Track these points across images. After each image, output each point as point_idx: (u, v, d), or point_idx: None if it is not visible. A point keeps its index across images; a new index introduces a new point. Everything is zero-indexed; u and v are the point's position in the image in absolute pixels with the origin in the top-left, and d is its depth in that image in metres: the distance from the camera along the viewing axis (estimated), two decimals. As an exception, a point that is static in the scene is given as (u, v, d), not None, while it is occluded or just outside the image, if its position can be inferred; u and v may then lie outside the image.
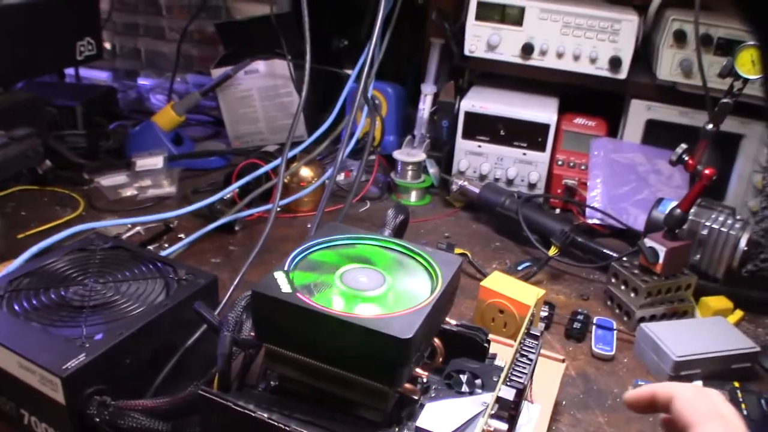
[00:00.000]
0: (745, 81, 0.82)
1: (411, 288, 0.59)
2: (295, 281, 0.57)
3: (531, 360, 0.58)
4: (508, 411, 0.54)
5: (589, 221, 1.18)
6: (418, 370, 0.58)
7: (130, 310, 0.68)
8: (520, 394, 0.54)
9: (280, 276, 0.57)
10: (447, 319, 0.66)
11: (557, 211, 1.26)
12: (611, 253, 1.03)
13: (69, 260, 0.77)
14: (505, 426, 0.52)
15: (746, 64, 0.81)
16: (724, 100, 0.84)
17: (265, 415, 0.53)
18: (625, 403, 0.66)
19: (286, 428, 0.52)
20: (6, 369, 0.64)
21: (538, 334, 0.64)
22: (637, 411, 0.65)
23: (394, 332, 0.51)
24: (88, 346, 0.62)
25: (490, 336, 0.76)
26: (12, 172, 1.06)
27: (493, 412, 0.53)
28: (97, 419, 0.60)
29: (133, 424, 0.60)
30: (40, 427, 0.64)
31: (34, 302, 0.69)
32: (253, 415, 0.54)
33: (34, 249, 0.82)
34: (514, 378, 0.56)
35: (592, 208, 1.17)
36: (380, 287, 0.58)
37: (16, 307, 0.68)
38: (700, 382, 0.81)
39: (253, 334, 0.61)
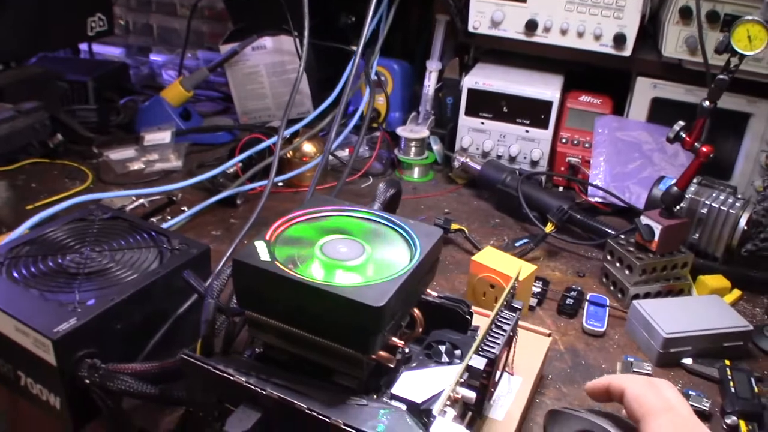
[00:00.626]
0: (742, 57, 0.81)
1: (390, 258, 0.60)
2: (276, 251, 0.59)
3: (505, 331, 0.59)
4: (479, 380, 0.55)
5: (591, 199, 1.18)
6: (396, 340, 0.60)
7: (123, 277, 0.70)
8: (492, 363, 0.56)
9: (260, 245, 0.58)
10: (429, 291, 0.68)
11: (560, 189, 1.26)
12: (608, 231, 1.03)
13: (68, 229, 0.79)
14: (473, 394, 0.53)
15: (743, 40, 0.80)
16: (721, 77, 0.84)
17: (243, 379, 0.55)
18: (586, 391, 0.67)
19: (262, 391, 0.54)
20: (3, 332, 0.66)
21: (518, 307, 0.65)
22: (595, 400, 0.66)
23: (366, 300, 0.52)
24: (80, 310, 0.64)
25: (480, 310, 0.77)
26: (18, 144, 1.08)
27: (462, 380, 0.54)
28: (87, 381, 0.62)
29: (122, 386, 0.62)
30: (35, 388, 0.67)
31: (32, 269, 0.72)
32: (231, 378, 0.55)
33: (35, 218, 0.84)
34: (486, 348, 0.57)
35: (594, 186, 1.17)
36: (359, 257, 0.59)
37: (15, 274, 0.71)
38: (690, 360, 0.82)
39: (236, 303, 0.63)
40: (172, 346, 0.69)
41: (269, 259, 0.56)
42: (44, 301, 0.66)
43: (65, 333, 0.61)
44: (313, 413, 0.52)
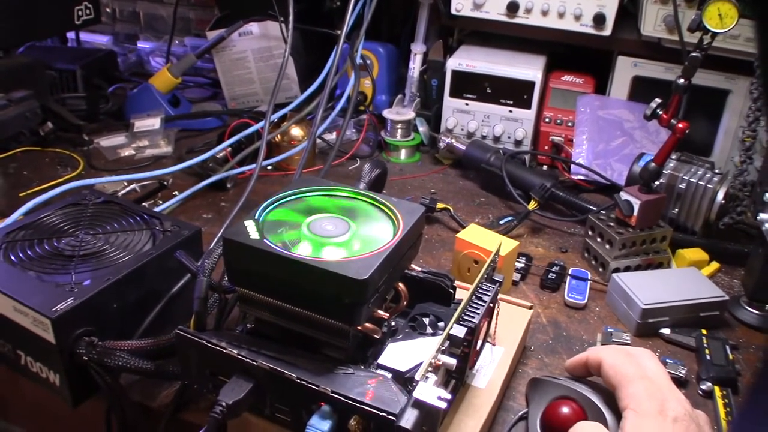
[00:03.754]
0: (714, 35, 0.84)
1: (374, 234, 0.63)
2: (265, 229, 0.61)
3: (485, 302, 0.62)
4: (460, 348, 0.58)
5: (574, 177, 1.21)
6: (382, 313, 0.62)
7: (118, 258, 0.73)
8: (472, 332, 0.58)
9: (249, 224, 0.61)
10: (414, 266, 0.70)
11: (544, 167, 1.29)
12: (590, 207, 1.06)
13: (62, 214, 0.81)
14: (453, 361, 0.56)
15: (714, 18, 0.82)
16: (694, 54, 0.86)
17: (235, 352, 0.58)
18: (565, 369, 0.70)
19: (252, 362, 0.56)
20: (3, 313, 0.68)
21: (498, 279, 0.68)
22: (575, 374, 0.69)
23: (351, 273, 0.55)
24: (76, 290, 0.66)
25: (464, 284, 0.80)
26: (10, 132, 1.10)
27: (444, 348, 0.57)
28: (86, 358, 0.64)
29: (119, 362, 0.65)
30: (35, 366, 0.69)
31: (29, 252, 0.74)
32: (224, 351, 0.58)
33: (30, 204, 0.86)
34: (466, 318, 0.60)
35: (577, 164, 1.20)
36: (345, 234, 0.62)
37: (12, 257, 0.73)
38: (668, 330, 0.85)
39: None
40: (167, 324, 0.72)
41: (258, 237, 0.58)
42: (41, 283, 0.69)
43: (63, 312, 0.64)
44: (303, 382, 0.55)
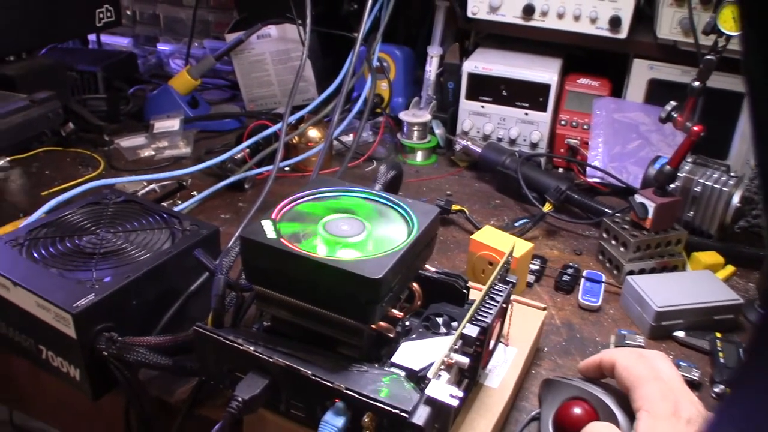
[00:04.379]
0: (728, 38, 0.84)
1: (389, 235, 0.63)
2: (281, 229, 0.62)
3: (497, 302, 0.63)
4: (473, 347, 0.58)
5: (590, 180, 1.21)
6: (396, 312, 0.63)
7: (137, 256, 0.74)
8: (484, 332, 0.59)
9: (267, 224, 0.62)
10: (428, 266, 0.71)
11: (560, 170, 1.29)
12: (604, 209, 1.06)
13: (83, 213, 0.82)
14: (466, 360, 0.57)
15: (728, 21, 0.82)
16: (708, 57, 0.86)
17: (252, 348, 0.59)
18: (579, 371, 0.70)
19: (268, 359, 0.57)
20: (25, 308, 0.70)
21: (512, 281, 0.69)
22: (589, 376, 0.69)
23: (366, 273, 0.56)
24: (97, 287, 0.68)
25: (479, 286, 0.80)
26: (33, 133, 1.12)
27: (456, 347, 0.58)
28: (105, 353, 0.66)
29: (138, 358, 0.66)
30: (56, 361, 0.71)
31: (51, 249, 0.75)
32: (240, 347, 0.59)
33: (52, 202, 0.88)
34: (479, 317, 0.60)
35: (592, 166, 1.20)
36: (360, 234, 0.63)
37: (35, 254, 0.75)
38: (682, 333, 0.85)
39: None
40: (184, 321, 0.73)
41: (275, 236, 0.59)
42: (63, 279, 0.70)
43: (84, 308, 0.65)
44: (318, 379, 0.56)
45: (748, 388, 0.29)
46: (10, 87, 1.18)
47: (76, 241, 0.77)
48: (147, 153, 1.27)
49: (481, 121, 1.28)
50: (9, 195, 1.16)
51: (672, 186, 0.98)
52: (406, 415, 0.52)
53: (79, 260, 0.74)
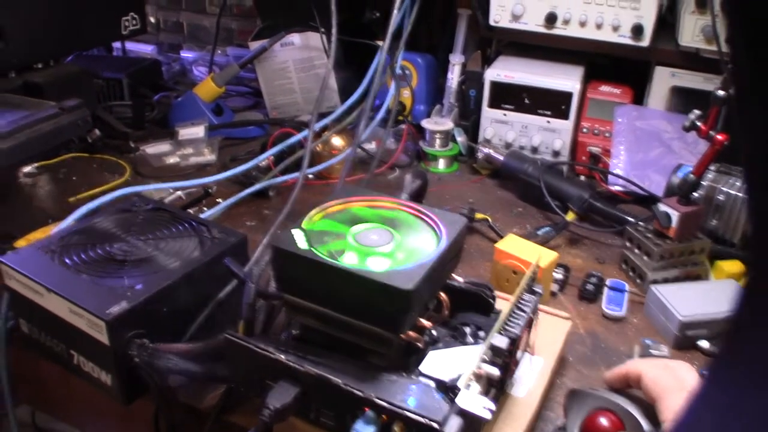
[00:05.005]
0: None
1: (417, 245, 0.64)
2: (312, 238, 0.63)
3: (525, 312, 0.63)
4: (502, 358, 0.59)
5: (612, 188, 1.21)
6: (424, 322, 0.64)
7: (168, 264, 0.75)
8: (513, 343, 0.59)
9: (297, 233, 0.63)
10: (455, 276, 0.72)
11: (582, 178, 1.29)
12: (628, 218, 1.06)
13: (114, 220, 0.84)
14: (496, 371, 0.57)
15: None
16: (731, 66, 0.86)
17: (282, 356, 0.60)
18: (605, 382, 0.71)
19: (300, 368, 0.58)
20: (58, 314, 0.71)
21: (538, 291, 0.69)
22: (614, 387, 0.69)
23: (397, 283, 0.56)
24: (129, 294, 0.69)
25: (503, 295, 0.81)
26: (63, 140, 1.14)
27: (486, 358, 0.58)
28: (137, 359, 0.67)
29: (168, 364, 0.67)
30: (87, 366, 0.72)
31: (83, 256, 0.77)
32: (271, 356, 0.60)
33: (83, 209, 0.90)
34: (508, 328, 0.61)
35: (615, 174, 1.20)
36: (389, 244, 0.64)
37: (67, 260, 0.76)
38: (706, 343, 0.85)
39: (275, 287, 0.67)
40: (214, 329, 0.74)
41: (307, 246, 0.60)
42: (95, 286, 0.71)
43: (117, 315, 0.66)
44: (348, 388, 0.57)
45: (730, 371, 0.29)
46: (38, 94, 1.20)
47: (107, 248, 0.78)
48: (172, 160, 1.28)
49: (503, 129, 1.29)
50: (37, 200, 1.18)
51: (695, 195, 0.98)
52: (437, 425, 0.52)
53: (110, 267, 0.75)
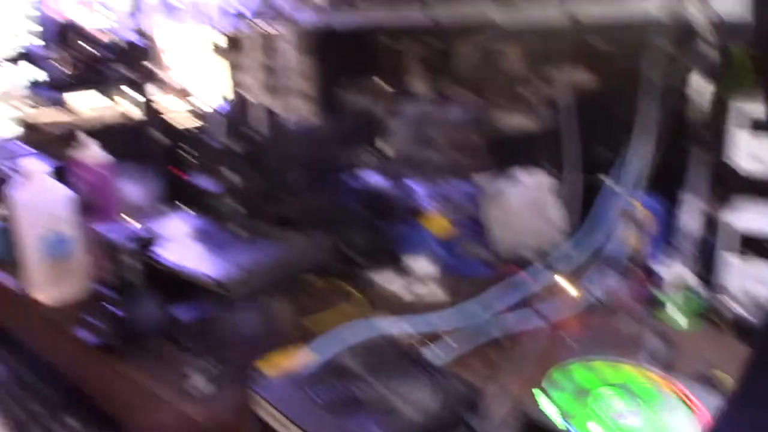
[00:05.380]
0: None
1: (671, 424, 0.60)
2: (558, 402, 0.61)
3: None
4: None
5: None
6: None
7: (408, 414, 0.77)
8: None
9: (541, 397, 0.61)
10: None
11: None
12: None
13: (359, 358, 0.88)
14: None
15: None
16: None
17: None
18: None
19: None
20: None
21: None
22: None
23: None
24: (373, 443, 0.71)
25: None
26: (305, 268, 1.23)
27: None
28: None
29: None
30: None
31: (329, 393, 0.81)
32: None
33: (332, 346, 0.94)
34: None
35: None
36: (637, 417, 0.60)
37: (313, 396, 0.80)
38: None
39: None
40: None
41: (562, 422, 0.59)
42: (339, 428, 0.75)
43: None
44: None
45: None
46: (289, 224, 1.31)
47: (351, 387, 0.82)
48: (401, 290, 1.32)
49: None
50: (271, 318, 1.25)
51: None
52: None
53: (352, 407, 0.78)
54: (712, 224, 1.27)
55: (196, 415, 0.98)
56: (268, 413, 0.81)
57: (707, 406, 0.61)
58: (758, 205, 1.26)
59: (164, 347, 1.14)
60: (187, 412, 0.99)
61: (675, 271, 1.26)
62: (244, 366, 1.00)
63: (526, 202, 1.46)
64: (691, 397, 0.62)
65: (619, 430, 0.59)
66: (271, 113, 1.48)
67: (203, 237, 1.31)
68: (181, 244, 1.25)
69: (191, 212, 1.46)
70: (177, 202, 1.58)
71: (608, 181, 1.38)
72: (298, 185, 1.43)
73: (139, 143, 1.82)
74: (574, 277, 1.24)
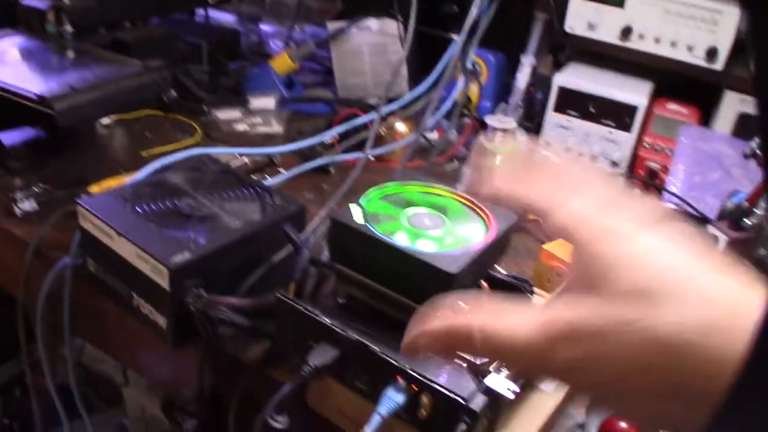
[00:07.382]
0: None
1: (467, 234, 0.67)
2: (368, 215, 0.67)
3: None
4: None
5: (666, 205, 1.22)
6: (464, 306, 0.67)
7: (230, 223, 0.80)
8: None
9: (355, 209, 0.67)
10: (499, 268, 0.75)
11: (637, 192, 1.30)
12: (677, 237, 1.07)
13: (184, 177, 0.89)
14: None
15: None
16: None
17: (327, 320, 0.64)
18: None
19: (342, 332, 0.62)
20: (126, 258, 0.77)
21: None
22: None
23: (441, 265, 0.60)
24: (192, 246, 0.74)
25: (542, 293, 0.84)
26: (143, 97, 1.20)
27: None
28: (192, 307, 0.72)
29: (220, 315, 0.72)
30: (145, 308, 0.78)
31: (153, 207, 0.82)
32: (317, 318, 0.64)
33: (156, 163, 0.95)
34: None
35: (670, 192, 1.21)
36: (439, 229, 0.67)
37: (138, 209, 0.81)
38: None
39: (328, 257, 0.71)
40: (264, 289, 0.78)
41: (363, 222, 0.64)
42: (162, 235, 0.77)
43: (180, 264, 0.71)
44: (385, 356, 0.61)
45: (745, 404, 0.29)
46: (125, 51, 1.26)
47: (176, 202, 0.83)
48: (241, 127, 1.34)
49: (565, 134, 1.30)
50: (112, 151, 1.25)
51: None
52: (463, 401, 0.56)
53: (177, 220, 0.80)
54: (543, 83, 1.35)
55: (22, 234, 0.97)
56: (93, 224, 0.81)
57: (503, 220, 0.68)
58: (583, 66, 1.36)
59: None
60: (11, 231, 0.98)
61: (503, 121, 1.34)
62: (75, 189, 0.99)
63: (371, 48, 1.48)
64: (489, 213, 0.70)
65: (423, 237, 0.66)
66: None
67: (30, 57, 1.23)
68: (6, 65, 1.18)
69: (19, 33, 1.36)
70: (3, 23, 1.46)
71: (452, 35, 1.42)
72: (138, 11, 1.37)
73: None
74: (411, 121, 1.29)
